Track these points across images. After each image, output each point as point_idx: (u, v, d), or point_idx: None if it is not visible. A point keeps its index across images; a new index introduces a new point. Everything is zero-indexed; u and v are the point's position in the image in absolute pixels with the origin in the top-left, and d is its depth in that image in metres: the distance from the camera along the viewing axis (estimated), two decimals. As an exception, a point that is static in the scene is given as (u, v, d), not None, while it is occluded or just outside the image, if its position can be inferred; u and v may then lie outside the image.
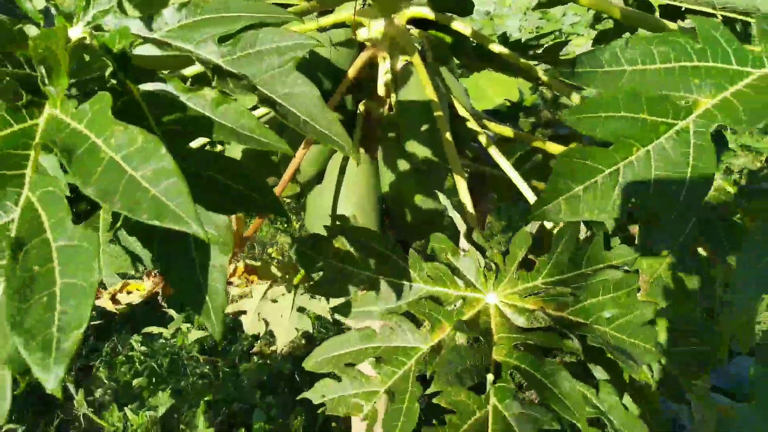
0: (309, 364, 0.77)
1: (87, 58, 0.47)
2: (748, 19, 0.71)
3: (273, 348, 2.47)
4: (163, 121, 0.48)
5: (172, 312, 2.52)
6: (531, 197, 0.91)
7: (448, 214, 0.94)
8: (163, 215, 0.37)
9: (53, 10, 0.55)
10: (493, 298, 0.78)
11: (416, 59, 0.96)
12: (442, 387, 0.60)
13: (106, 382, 2.28)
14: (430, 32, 1.11)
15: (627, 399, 0.86)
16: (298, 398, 0.77)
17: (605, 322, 0.78)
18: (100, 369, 2.35)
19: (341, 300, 0.82)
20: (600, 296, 0.78)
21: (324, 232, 0.79)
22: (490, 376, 0.65)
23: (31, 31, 0.48)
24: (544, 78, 0.93)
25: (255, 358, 2.42)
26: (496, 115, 1.51)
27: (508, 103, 1.56)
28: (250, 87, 0.51)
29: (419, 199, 1.04)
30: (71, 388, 2.19)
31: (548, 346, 0.71)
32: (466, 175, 1.37)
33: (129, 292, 0.79)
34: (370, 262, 0.78)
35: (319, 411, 0.74)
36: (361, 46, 1.04)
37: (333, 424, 2.28)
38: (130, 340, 2.46)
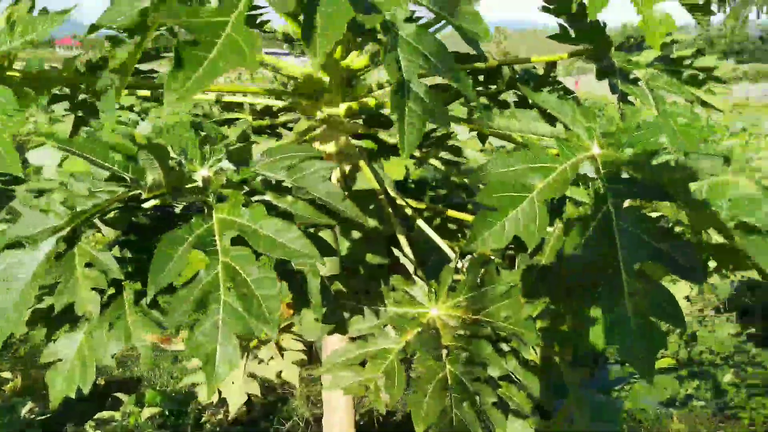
0: (322, 370, 1.16)
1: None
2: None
3: (219, 417, 2.69)
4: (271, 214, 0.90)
5: (120, 395, 2.67)
6: (445, 248, 1.38)
7: (386, 264, 1.38)
8: (301, 257, 0.79)
9: (183, 159, 0.95)
10: (435, 311, 1.22)
11: (362, 162, 1.42)
12: (420, 352, 1.02)
13: (69, 465, 2.37)
14: (363, 141, 1.59)
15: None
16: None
17: (504, 320, 1.24)
18: (62, 454, 2.44)
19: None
20: (498, 303, 1.24)
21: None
22: (444, 351, 1.08)
23: (193, 175, 0.88)
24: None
25: (207, 425, 2.63)
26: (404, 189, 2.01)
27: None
28: (305, 192, 0.94)
29: (369, 257, 1.47)
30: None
31: (473, 334, 1.16)
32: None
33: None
34: (357, 297, 1.20)
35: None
36: (319, 155, 1.49)
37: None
38: (84, 426, 2.58)
